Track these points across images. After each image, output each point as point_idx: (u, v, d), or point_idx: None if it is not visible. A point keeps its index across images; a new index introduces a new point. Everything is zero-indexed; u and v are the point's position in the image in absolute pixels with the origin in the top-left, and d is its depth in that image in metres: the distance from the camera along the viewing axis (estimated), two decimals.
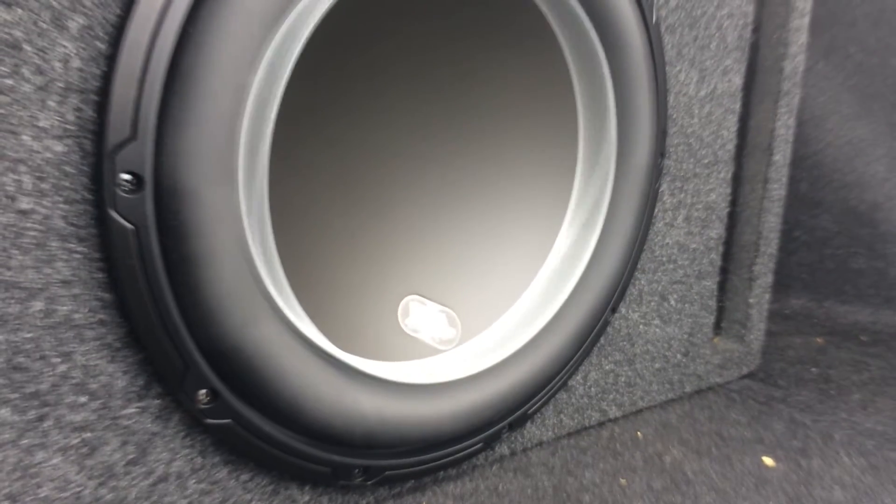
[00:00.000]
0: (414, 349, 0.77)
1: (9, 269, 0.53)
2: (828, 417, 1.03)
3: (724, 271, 1.11)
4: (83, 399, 0.57)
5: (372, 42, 0.72)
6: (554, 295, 0.83)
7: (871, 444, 0.95)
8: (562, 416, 0.93)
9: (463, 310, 0.80)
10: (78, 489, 0.59)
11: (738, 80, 1.01)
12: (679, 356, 1.06)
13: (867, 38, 1.45)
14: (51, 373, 0.56)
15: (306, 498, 0.73)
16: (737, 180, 1.08)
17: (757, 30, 1.04)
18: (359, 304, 0.74)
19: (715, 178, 1.02)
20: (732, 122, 1.02)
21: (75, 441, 0.58)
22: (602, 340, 0.94)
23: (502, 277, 0.83)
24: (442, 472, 0.82)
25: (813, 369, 1.22)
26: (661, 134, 0.87)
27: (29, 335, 0.54)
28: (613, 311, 0.90)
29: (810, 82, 1.45)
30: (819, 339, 1.35)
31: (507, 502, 0.78)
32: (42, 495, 0.57)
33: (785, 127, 1.07)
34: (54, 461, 0.57)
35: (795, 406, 1.07)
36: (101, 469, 0.59)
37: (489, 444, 0.83)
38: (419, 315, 0.78)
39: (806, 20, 1.05)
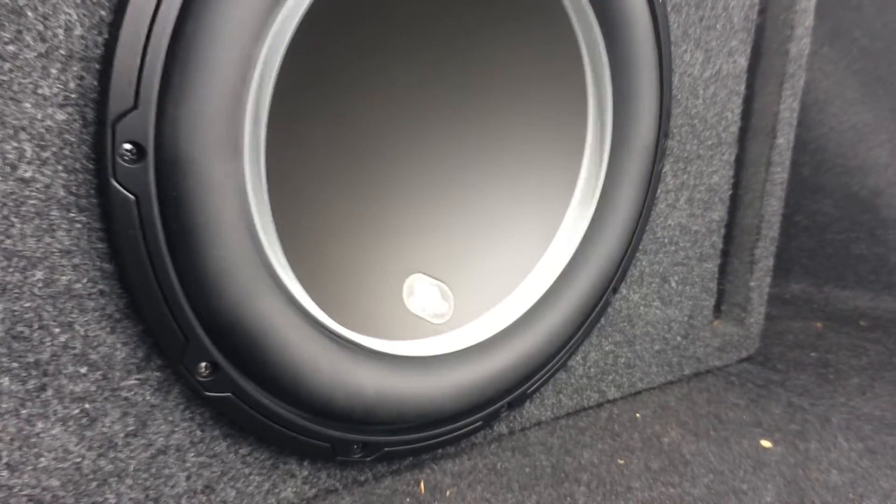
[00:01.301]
0: (412, 327, 0.77)
1: (9, 237, 0.52)
2: (826, 401, 1.04)
3: (726, 254, 1.11)
4: (83, 370, 0.57)
5: (376, 17, 0.72)
6: (549, 272, 0.83)
7: (868, 429, 0.95)
8: (561, 396, 0.93)
9: (466, 288, 0.80)
10: (78, 460, 0.59)
11: (743, 62, 1.01)
12: (679, 338, 1.06)
13: (873, 23, 1.44)
14: (51, 342, 0.55)
15: (305, 473, 0.73)
16: (740, 163, 1.07)
17: (763, 11, 1.03)
18: (358, 280, 0.74)
19: (718, 160, 1.02)
20: (737, 104, 1.02)
21: (75, 411, 0.58)
22: (602, 321, 0.94)
23: (506, 256, 0.83)
24: (440, 450, 0.82)
25: (812, 354, 1.22)
26: (665, 114, 0.86)
27: (29, 304, 0.54)
28: (614, 291, 0.89)
29: (815, 66, 1.44)
30: (818, 324, 1.35)
31: (505, 481, 0.79)
32: (42, 465, 0.57)
33: (789, 110, 1.06)
34: (54, 431, 0.57)
35: (794, 390, 1.07)
36: (100, 440, 0.59)
37: (488, 422, 0.83)
38: (423, 292, 0.78)
39: (812, 3, 1.04)
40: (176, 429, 0.63)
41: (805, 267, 1.50)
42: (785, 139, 1.07)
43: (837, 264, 1.47)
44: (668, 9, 0.88)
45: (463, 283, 0.80)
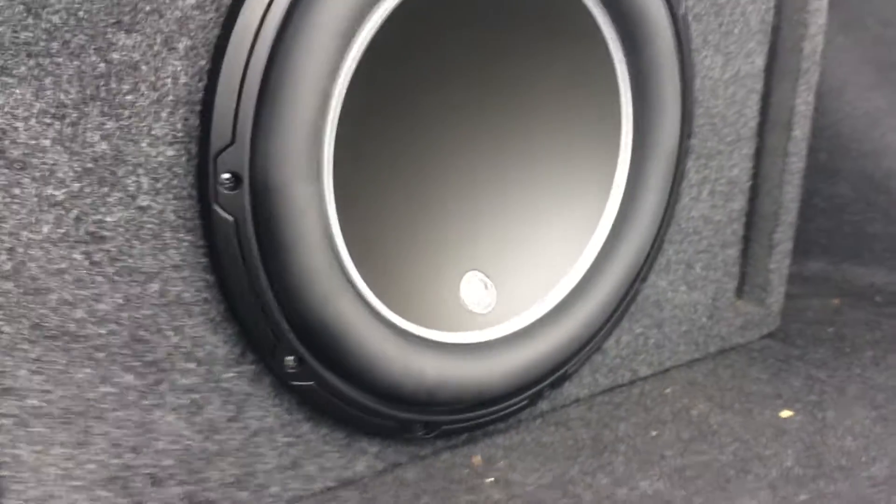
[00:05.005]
0: (466, 318, 0.84)
1: (131, 256, 0.61)
2: (842, 373, 1.06)
3: (746, 240, 1.14)
4: (191, 365, 0.66)
5: (428, 48, 0.78)
6: (582, 266, 0.89)
7: (881, 398, 0.98)
8: (597, 375, 0.99)
9: (513, 281, 0.87)
10: (188, 442, 0.67)
11: (760, 62, 1.05)
12: (704, 319, 1.10)
13: (884, 11, 1.47)
14: (165, 344, 0.64)
15: (375, 449, 0.81)
16: (758, 155, 1.11)
17: (778, 13, 1.06)
18: (418, 279, 0.81)
19: (738, 154, 1.06)
20: (755, 102, 1.05)
21: (185, 401, 0.67)
22: (633, 307, 0.99)
23: (548, 252, 0.88)
24: (492, 427, 0.89)
25: (829, 329, 1.24)
26: (688, 117, 0.92)
27: (148, 312, 0.63)
28: (643, 280, 0.95)
29: (829, 55, 1.46)
30: (836, 301, 1.37)
31: (550, 452, 0.85)
32: (159, 448, 0.66)
33: (804, 104, 1.09)
34: (168, 419, 0.66)
35: (812, 363, 1.10)
36: (206, 425, 0.68)
37: (533, 401, 0.89)
38: (469, 286, 0.86)
39: (825, 1, 1.07)
40: (267, 414, 0.72)
41: (823, 246, 1.52)
42: (801, 131, 1.10)
43: (854, 243, 1.50)
44: (690, 18, 0.92)
45: (510, 276, 0.87)
